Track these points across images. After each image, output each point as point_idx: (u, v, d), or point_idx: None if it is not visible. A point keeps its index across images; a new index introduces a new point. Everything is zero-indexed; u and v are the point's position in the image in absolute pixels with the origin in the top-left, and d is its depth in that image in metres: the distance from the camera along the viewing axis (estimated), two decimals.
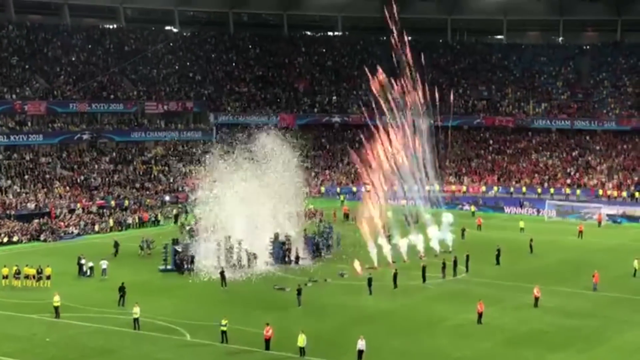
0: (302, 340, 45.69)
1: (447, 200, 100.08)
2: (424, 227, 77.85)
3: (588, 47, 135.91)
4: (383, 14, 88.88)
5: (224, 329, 48.03)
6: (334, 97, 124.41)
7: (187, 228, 73.70)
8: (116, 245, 74.58)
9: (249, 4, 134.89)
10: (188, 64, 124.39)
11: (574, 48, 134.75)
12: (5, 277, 63.03)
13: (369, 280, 60.63)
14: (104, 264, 65.98)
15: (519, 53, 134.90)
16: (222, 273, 62.74)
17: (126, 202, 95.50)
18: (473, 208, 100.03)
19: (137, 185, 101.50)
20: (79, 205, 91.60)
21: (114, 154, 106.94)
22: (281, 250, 69.53)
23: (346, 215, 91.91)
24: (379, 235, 69.79)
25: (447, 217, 79.58)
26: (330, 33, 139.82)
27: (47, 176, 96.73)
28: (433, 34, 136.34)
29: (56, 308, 53.57)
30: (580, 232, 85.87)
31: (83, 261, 66.77)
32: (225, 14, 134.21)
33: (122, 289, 56.88)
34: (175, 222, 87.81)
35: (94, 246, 78.24)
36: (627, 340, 49.88)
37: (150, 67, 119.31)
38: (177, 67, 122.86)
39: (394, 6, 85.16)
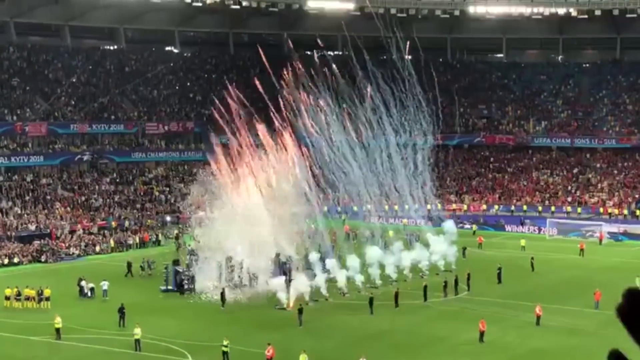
0: None
1: (447, 219, 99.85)
2: (426, 244, 77.62)
3: (588, 65, 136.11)
4: (384, 33, 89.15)
5: (226, 349, 47.93)
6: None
7: (188, 248, 73.63)
8: (129, 265, 74.68)
9: (249, 25, 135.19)
10: (188, 84, 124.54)
11: (573, 66, 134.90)
12: (8, 298, 62.97)
13: (371, 300, 60.56)
14: (104, 285, 65.90)
15: (519, 71, 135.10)
16: (222, 293, 62.71)
17: (127, 223, 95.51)
18: (474, 227, 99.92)
19: (138, 205, 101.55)
20: (79, 226, 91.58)
21: (115, 174, 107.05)
22: (282, 270, 69.36)
23: (348, 235, 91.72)
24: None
25: (449, 225, 79.36)
26: (330, 52, 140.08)
27: (48, 197, 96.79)
28: (433, 52, 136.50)
29: (57, 330, 53.48)
30: (582, 250, 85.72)
31: (83, 283, 66.73)
32: (225, 34, 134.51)
33: (121, 310, 56.83)
34: (177, 242, 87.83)
35: (94, 267, 78.28)
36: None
37: (151, 88, 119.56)
38: (177, 88, 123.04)
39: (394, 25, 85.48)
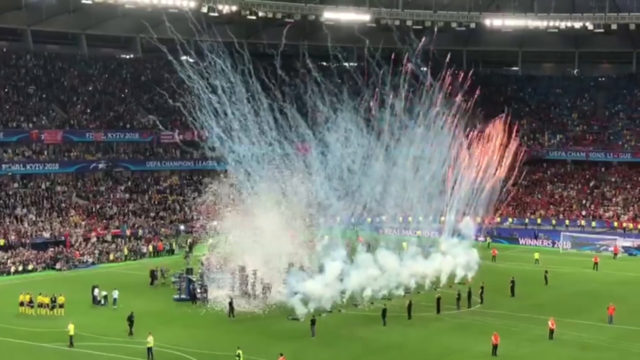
0: None
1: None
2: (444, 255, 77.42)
3: (603, 79, 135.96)
4: (399, 44, 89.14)
5: (238, 358, 47.93)
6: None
7: (202, 258, 73.75)
8: (153, 274, 75.13)
9: (265, 35, 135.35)
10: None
11: (589, 80, 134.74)
12: (22, 305, 63.22)
13: (384, 311, 60.51)
14: (115, 293, 66.16)
15: (535, 84, 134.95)
16: (230, 303, 62.81)
17: (141, 231, 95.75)
18: (488, 239, 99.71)
19: (152, 214, 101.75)
20: (93, 234, 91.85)
21: (129, 183, 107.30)
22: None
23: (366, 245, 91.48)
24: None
25: (467, 223, 79.24)
26: (346, 64, 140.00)
27: (63, 205, 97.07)
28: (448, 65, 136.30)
29: (70, 337, 53.63)
30: (596, 263, 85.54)
31: (97, 291, 66.95)
32: (240, 44, 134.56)
33: (130, 318, 57.00)
34: (190, 251, 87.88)
35: (108, 275, 78.57)
36: None
37: (166, 97, 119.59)
38: (196, 99, 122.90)
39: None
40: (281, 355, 47.35)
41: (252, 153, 71.23)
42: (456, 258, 76.05)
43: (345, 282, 66.23)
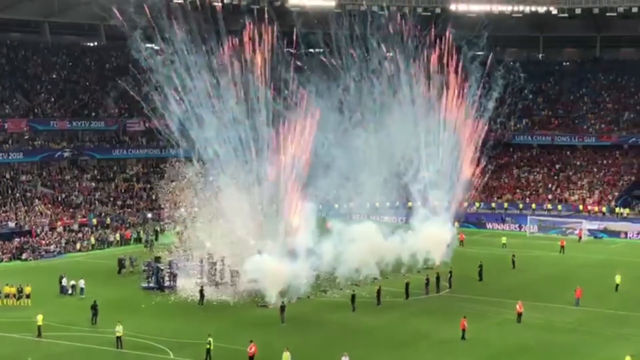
0: (286, 358, 45.66)
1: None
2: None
3: (568, 63, 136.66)
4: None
5: (209, 346, 47.81)
6: None
7: (169, 246, 73.45)
8: (121, 263, 74.87)
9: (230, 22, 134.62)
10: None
11: (554, 64, 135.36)
12: (7, 296, 62.94)
13: (353, 297, 60.61)
14: (81, 283, 65.84)
15: (500, 69, 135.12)
16: (201, 291, 62.68)
17: (107, 220, 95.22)
18: (456, 224, 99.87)
19: (119, 202, 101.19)
20: (59, 223, 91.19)
21: (95, 171, 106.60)
22: None
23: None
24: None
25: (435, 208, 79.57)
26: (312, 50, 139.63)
27: (28, 194, 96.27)
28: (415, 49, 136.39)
29: (39, 327, 53.25)
30: (562, 247, 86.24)
31: (64, 280, 66.54)
32: (207, 30, 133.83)
33: (94, 307, 56.75)
34: (156, 239, 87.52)
35: (75, 264, 78.13)
36: (610, 356, 49.91)
37: (132, 85, 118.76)
38: (159, 86, 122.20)
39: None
40: (251, 342, 47.26)
41: (220, 137, 70.33)
42: (430, 235, 76.17)
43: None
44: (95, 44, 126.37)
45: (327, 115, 72.23)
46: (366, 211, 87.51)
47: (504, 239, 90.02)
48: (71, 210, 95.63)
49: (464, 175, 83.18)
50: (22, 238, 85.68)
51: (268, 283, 62.48)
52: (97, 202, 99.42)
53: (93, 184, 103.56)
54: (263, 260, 63.46)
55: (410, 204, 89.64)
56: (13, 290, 62.95)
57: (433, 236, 76.26)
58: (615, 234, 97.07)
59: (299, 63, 79.06)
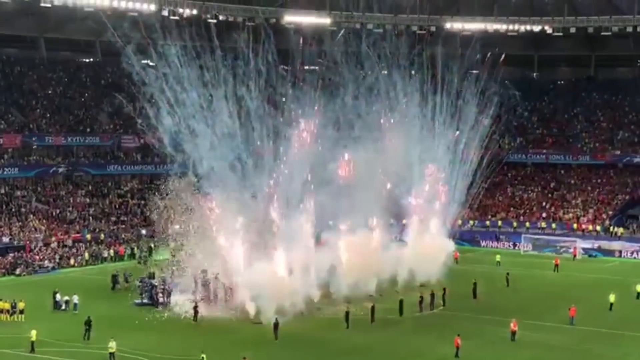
0: None
1: None
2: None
3: (562, 82, 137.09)
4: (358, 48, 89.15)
5: None
6: None
7: (163, 263, 73.33)
8: (114, 279, 74.82)
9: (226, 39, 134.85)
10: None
11: (548, 83, 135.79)
12: (0, 312, 62.70)
13: (347, 314, 60.54)
14: (75, 298, 65.74)
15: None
16: (195, 308, 62.58)
17: (102, 236, 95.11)
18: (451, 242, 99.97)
19: (113, 218, 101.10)
20: (54, 238, 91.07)
21: (90, 187, 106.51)
22: None
23: None
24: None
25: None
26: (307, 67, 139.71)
27: (22, 209, 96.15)
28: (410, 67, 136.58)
29: (32, 343, 53.11)
30: (556, 265, 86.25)
31: (58, 296, 66.43)
32: (200, 46, 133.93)
33: (88, 323, 56.64)
34: (150, 255, 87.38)
35: (69, 280, 77.98)
36: None
37: (127, 100, 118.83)
38: (153, 101, 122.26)
39: None
40: (244, 358, 47.19)
41: (214, 152, 70.25)
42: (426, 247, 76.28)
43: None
44: (91, 59, 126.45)
45: (322, 131, 72.28)
46: (361, 228, 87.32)
47: (498, 257, 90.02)
48: (65, 225, 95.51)
49: (458, 193, 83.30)
50: (16, 253, 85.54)
51: (267, 298, 62.24)
52: (91, 218, 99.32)
53: (87, 200, 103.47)
54: (264, 269, 63.43)
55: (404, 220, 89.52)
56: (7, 305, 62.75)
57: (428, 252, 76.26)
58: (609, 252, 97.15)
59: (294, 78, 79.25)
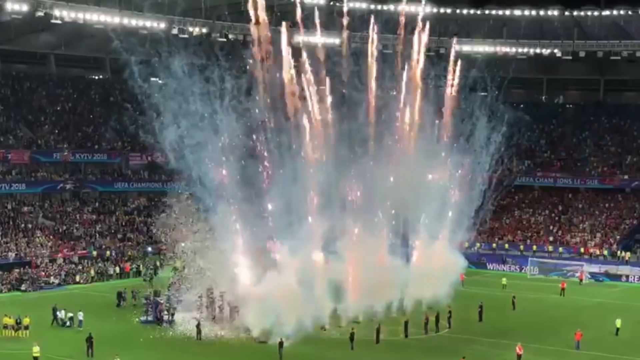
0: None
1: None
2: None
3: (571, 105, 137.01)
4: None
5: None
6: None
7: (169, 281, 73.22)
8: (120, 296, 74.85)
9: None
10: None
11: (557, 106, 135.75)
12: (5, 327, 62.68)
13: (351, 335, 60.30)
14: (80, 315, 65.69)
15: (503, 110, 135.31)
16: (198, 326, 62.43)
17: (108, 253, 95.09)
18: None
19: (119, 235, 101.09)
20: (60, 255, 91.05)
21: (97, 204, 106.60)
22: None
23: None
24: None
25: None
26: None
27: (29, 225, 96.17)
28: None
29: (35, 358, 53.02)
30: (563, 289, 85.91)
31: (59, 312, 66.44)
32: (210, 65, 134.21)
33: (89, 339, 56.59)
34: (155, 273, 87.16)
35: (75, 297, 77.88)
36: None
37: (135, 118, 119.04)
38: (162, 119, 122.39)
39: None
40: None
41: (220, 168, 70.08)
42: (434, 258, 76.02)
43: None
44: (101, 76, 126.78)
45: (331, 147, 72.24)
46: (368, 247, 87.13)
47: (504, 280, 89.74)
48: (71, 242, 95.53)
49: (465, 216, 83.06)
50: (22, 269, 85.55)
51: (282, 311, 61.82)
52: (97, 235, 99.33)
53: (94, 217, 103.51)
54: (275, 284, 63.10)
55: (412, 242, 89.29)
56: (12, 321, 62.73)
57: (437, 273, 75.79)
58: (616, 277, 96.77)
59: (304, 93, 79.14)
